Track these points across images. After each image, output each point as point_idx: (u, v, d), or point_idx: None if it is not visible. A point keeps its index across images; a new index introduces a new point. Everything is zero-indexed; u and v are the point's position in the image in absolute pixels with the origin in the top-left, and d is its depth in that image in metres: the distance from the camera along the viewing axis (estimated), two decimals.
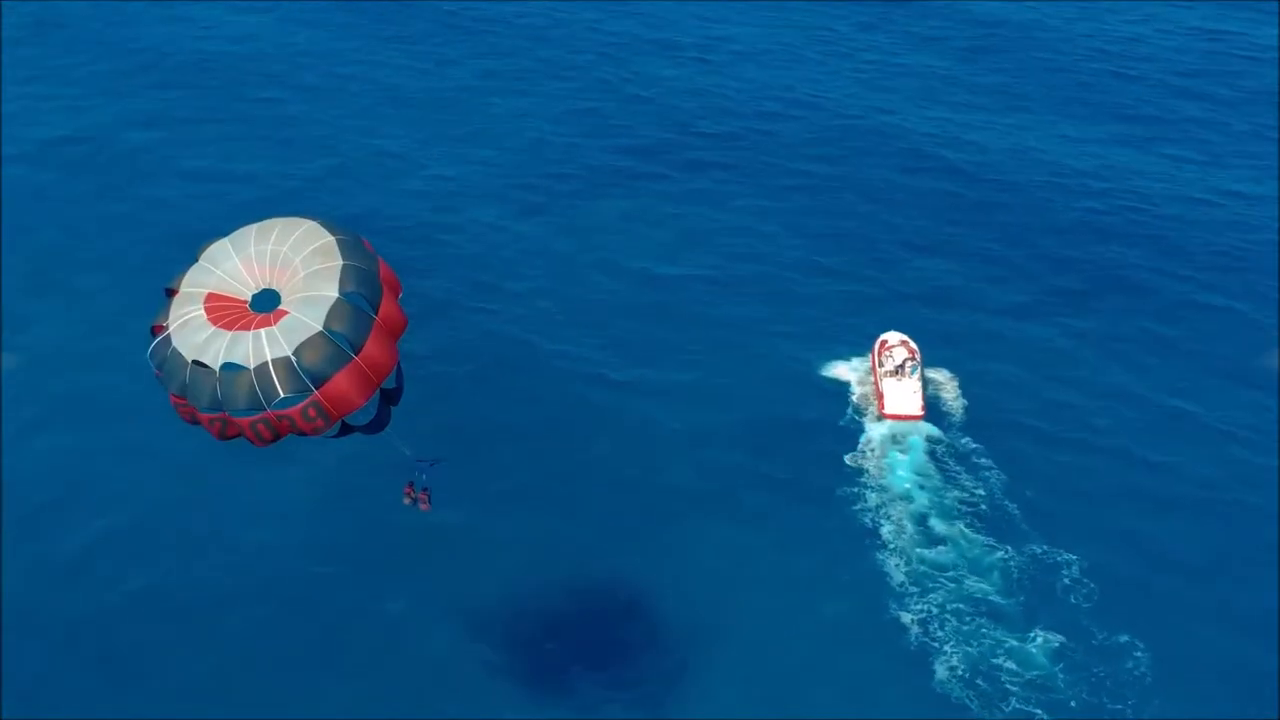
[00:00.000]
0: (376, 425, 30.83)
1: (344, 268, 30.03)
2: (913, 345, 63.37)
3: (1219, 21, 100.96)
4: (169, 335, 30.22)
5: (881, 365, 62.17)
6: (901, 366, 61.31)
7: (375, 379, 29.54)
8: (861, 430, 59.59)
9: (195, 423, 30.56)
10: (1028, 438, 58.95)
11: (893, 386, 60.80)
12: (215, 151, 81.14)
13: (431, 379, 57.30)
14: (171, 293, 31.28)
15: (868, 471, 56.82)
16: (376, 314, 29.80)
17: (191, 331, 29.84)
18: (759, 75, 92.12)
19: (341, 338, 29.11)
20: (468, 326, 64.49)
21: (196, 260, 31.54)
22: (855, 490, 55.74)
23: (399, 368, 30.36)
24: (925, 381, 61.70)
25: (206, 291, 30.73)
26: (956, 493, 55.42)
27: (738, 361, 63.61)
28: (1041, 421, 60.07)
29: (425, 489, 37.37)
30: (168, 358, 29.99)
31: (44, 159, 79.73)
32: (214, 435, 30.28)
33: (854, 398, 61.39)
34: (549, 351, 63.39)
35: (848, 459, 57.60)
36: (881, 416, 60.31)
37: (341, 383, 29.04)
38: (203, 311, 30.21)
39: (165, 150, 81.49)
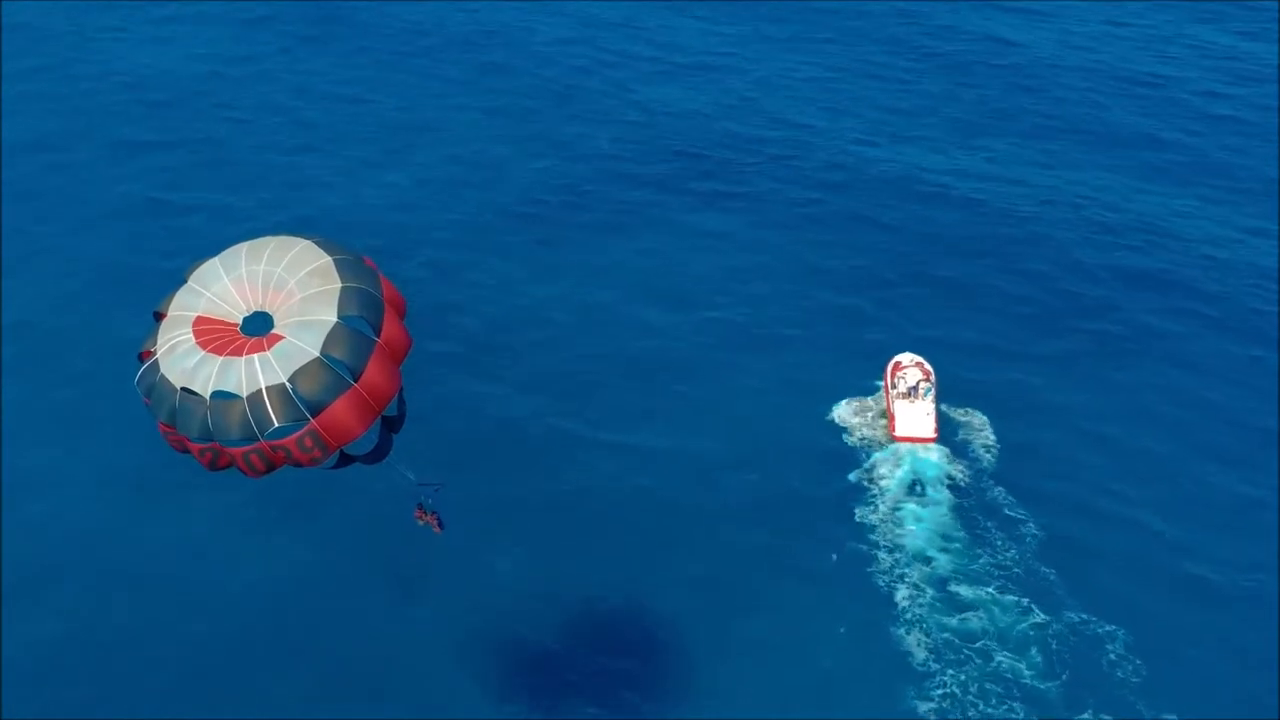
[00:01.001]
0: (377, 454, 29.20)
1: (343, 290, 28.43)
2: (927, 367, 61.65)
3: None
4: (156, 361, 28.61)
5: (894, 387, 60.56)
6: (915, 388, 59.75)
7: (376, 406, 27.95)
8: (873, 472, 56.86)
9: (185, 452, 28.95)
10: (1064, 487, 55.84)
11: (905, 408, 59.17)
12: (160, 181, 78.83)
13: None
14: (159, 316, 29.73)
15: (880, 527, 53.56)
16: (378, 337, 28.22)
17: (180, 357, 28.21)
18: (762, 103, 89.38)
19: (340, 364, 27.51)
20: (450, 386, 60.91)
21: (184, 282, 29.97)
22: (867, 549, 52.41)
23: (400, 394, 28.73)
24: (939, 404, 59.77)
25: (195, 315, 29.11)
26: (983, 550, 52.09)
27: (740, 404, 60.93)
28: (1080, 472, 56.85)
29: (434, 512, 36.20)
30: (155, 384, 28.38)
31: None
32: (205, 466, 28.67)
33: (864, 445, 58.55)
34: (532, 407, 60.43)
35: (858, 514, 54.48)
36: (892, 439, 58.62)
37: (340, 411, 27.43)
38: (191, 335, 28.59)
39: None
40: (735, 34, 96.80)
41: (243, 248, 30.07)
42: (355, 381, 27.54)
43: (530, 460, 56.58)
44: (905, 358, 62.40)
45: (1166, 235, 73.79)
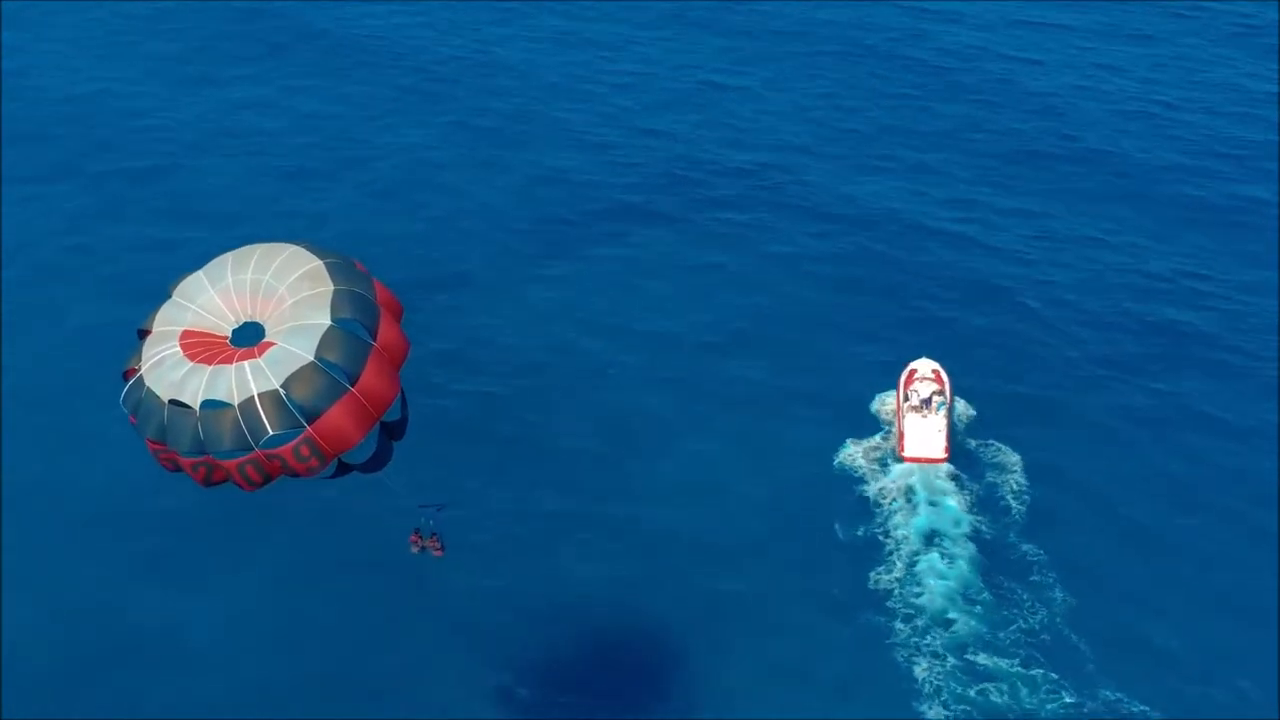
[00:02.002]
0: (377, 463, 28.02)
1: (336, 293, 27.37)
2: (944, 376, 57.97)
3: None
4: (141, 377, 27.46)
5: (906, 399, 56.77)
6: (928, 401, 56.09)
7: (375, 412, 26.81)
8: (879, 503, 53.78)
9: (177, 469, 27.70)
10: (1105, 540, 51.85)
11: (915, 424, 55.39)
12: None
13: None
14: (144, 334, 28.60)
15: (896, 592, 49.36)
16: (375, 340, 27.13)
17: (167, 369, 27.05)
18: (767, 118, 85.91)
19: (336, 368, 26.39)
20: (437, 400, 58.28)
21: (169, 297, 28.87)
22: (883, 619, 48.45)
23: (402, 397, 27.59)
24: (953, 420, 56.55)
25: (182, 328, 27.99)
26: (1009, 616, 47.98)
27: (744, 438, 57.42)
28: (1120, 522, 52.95)
29: (434, 534, 34.93)
30: (142, 400, 27.19)
31: None
32: (198, 482, 27.41)
33: (873, 488, 54.53)
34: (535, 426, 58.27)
35: (873, 576, 50.29)
36: (901, 459, 55.07)
37: (337, 417, 26.27)
38: (178, 348, 27.45)
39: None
40: (740, 57, 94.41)
41: (228, 257, 29.03)
42: (352, 386, 26.42)
43: (529, 496, 54.75)
44: (921, 365, 58.68)
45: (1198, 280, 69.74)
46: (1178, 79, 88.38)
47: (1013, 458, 55.54)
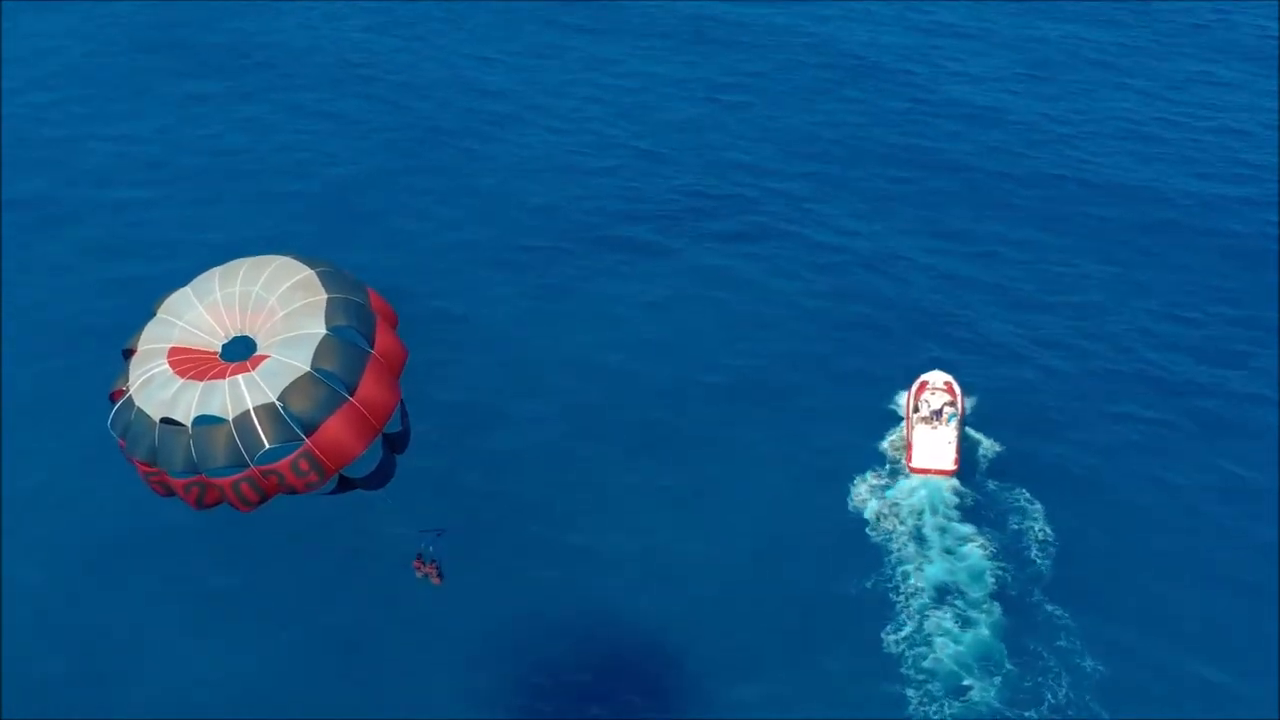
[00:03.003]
0: (379, 477, 26.84)
1: (329, 301, 26.30)
2: (956, 389, 56.28)
3: None
4: (130, 397, 26.25)
5: (916, 410, 54.99)
6: (939, 412, 54.41)
7: (375, 422, 25.65)
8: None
9: (170, 493, 26.43)
10: (1136, 597, 48.62)
11: (924, 435, 53.72)
12: None
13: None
14: (129, 353, 27.42)
15: (905, 655, 46.19)
16: (372, 348, 25.98)
17: (157, 387, 25.88)
18: (765, 145, 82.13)
19: (333, 377, 25.26)
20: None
21: (154, 315, 27.73)
22: (894, 687, 45.34)
23: (403, 407, 26.42)
24: (964, 433, 54.68)
25: (169, 346, 26.85)
26: (1032, 688, 44.69)
27: (746, 475, 54.45)
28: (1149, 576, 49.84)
29: (434, 561, 33.61)
30: (131, 421, 25.97)
31: None
32: (191, 504, 26.20)
33: (881, 525, 51.61)
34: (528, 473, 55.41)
35: (885, 637, 47.16)
36: (910, 471, 53.29)
37: (336, 428, 25.11)
38: (167, 365, 26.29)
39: None
40: (740, 81, 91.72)
41: (215, 272, 27.97)
42: (351, 395, 25.28)
43: (527, 527, 52.69)
44: (933, 377, 56.93)
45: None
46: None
47: (1036, 506, 52.10)
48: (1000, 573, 49.15)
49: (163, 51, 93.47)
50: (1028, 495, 52.49)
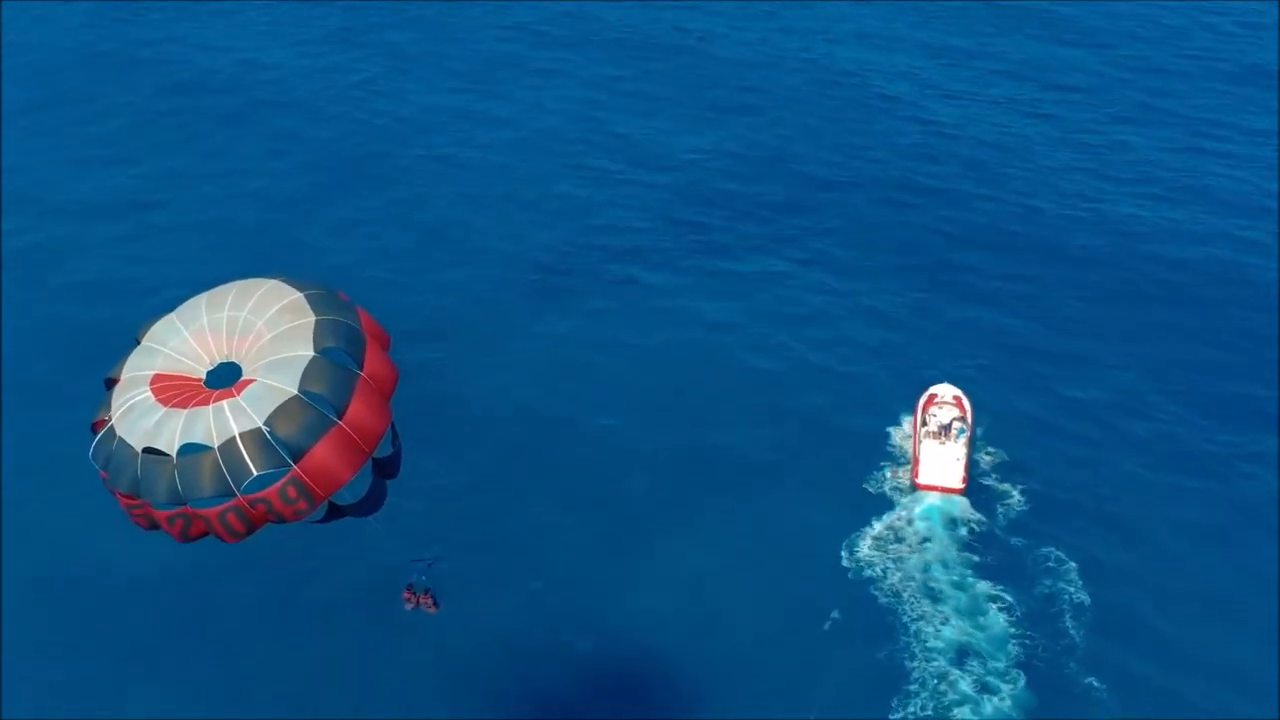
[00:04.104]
0: (370, 504, 25.93)
1: (318, 323, 25.53)
2: (966, 404, 54.71)
3: None
4: (111, 427, 25.41)
5: (924, 424, 53.56)
6: (947, 427, 52.98)
7: (365, 447, 24.81)
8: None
9: (154, 526, 25.53)
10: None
11: (932, 451, 52.22)
12: None
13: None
14: (112, 382, 26.61)
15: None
16: (362, 370, 25.19)
17: (139, 416, 25.04)
18: (780, 162, 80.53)
19: (321, 400, 24.44)
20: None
21: (138, 343, 26.97)
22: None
23: (394, 431, 25.59)
24: (973, 449, 53.17)
25: (152, 373, 26.04)
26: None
27: (745, 522, 52.13)
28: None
29: (428, 590, 32.81)
30: (113, 452, 25.11)
31: None
32: (175, 537, 25.27)
33: (881, 583, 48.72)
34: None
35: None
36: (916, 487, 51.96)
37: (324, 454, 24.28)
38: (150, 394, 25.46)
39: None
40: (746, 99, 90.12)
41: (201, 298, 27.24)
42: (339, 419, 24.44)
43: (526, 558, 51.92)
44: (942, 390, 55.32)
45: None
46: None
47: (1069, 563, 49.23)
48: (1025, 639, 46.61)
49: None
50: (1057, 551, 49.90)
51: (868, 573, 49.16)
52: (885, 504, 52.37)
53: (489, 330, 64.56)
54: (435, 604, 33.72)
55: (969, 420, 54.25)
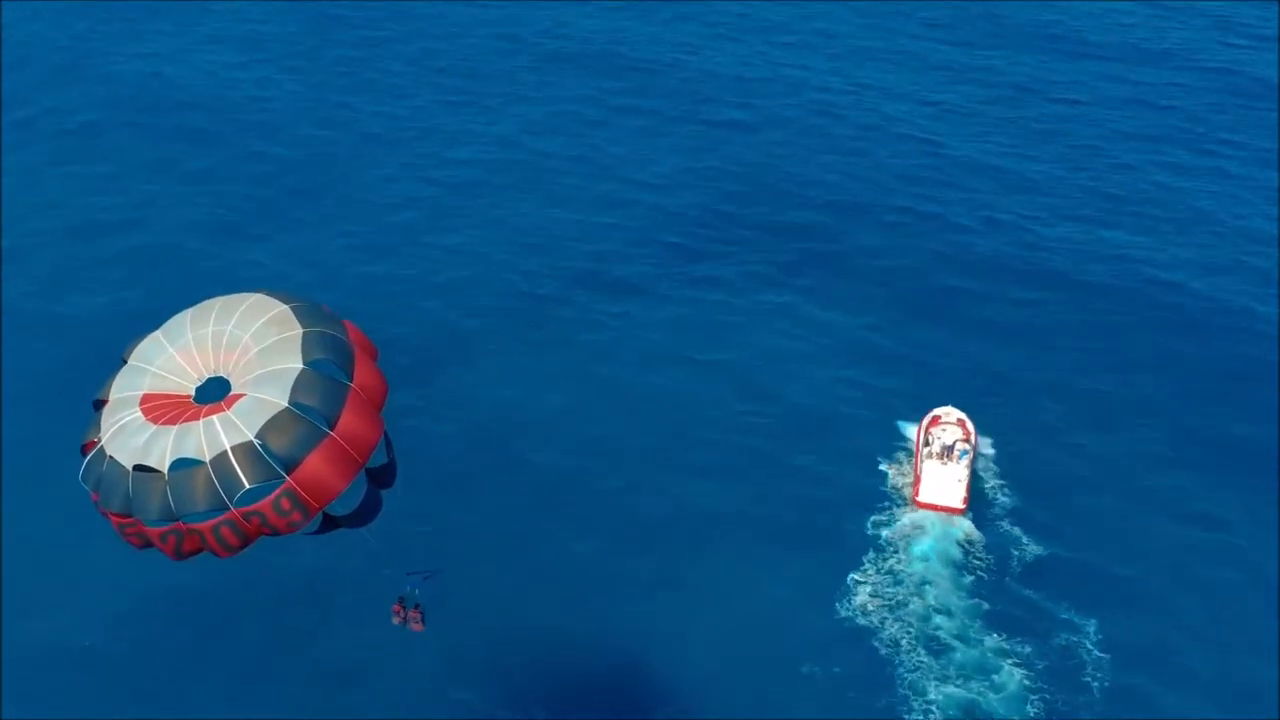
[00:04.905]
0: (364, 514, 25.84)
1: (305, 335, 25.49)
2: (969, 426, 54.31)
3: None
4: (102, 447, 25.31)
5: (927, 444, 53.18)
6: (950, 448, 52.50)
7: (358, 457, 24.75)
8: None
9: (147, 544, 25.39)
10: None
11: (933, 471, 51.76)
12: None
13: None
14: (100, 404, 26.49)
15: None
16: (351, 381, 25.11)
17: (129, 435, 24.94)
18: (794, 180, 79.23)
19: (312, 412, 24.39)
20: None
21: (124, 362, 26.86)
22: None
23: (387, 441, 25.51)
24: (974, 472, 52.58)
25: (141, 393, 25.96)
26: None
27: (734, 571, 50.18)
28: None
29: (417, 605, 32.56)
30: (104, 473, 25.00)
31: None
32: (169, 554, 25.12)
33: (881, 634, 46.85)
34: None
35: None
36: (915, 505, 51.31)
37: (317, 465, 24.21)
38: (139, 413, 25.38)
39: None
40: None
41: (186, 314, 27.17)
42: (331, 430, 24.38)
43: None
44: (945, 412, 55.00)
45: None
46: None
47: (1089, 623, 47.35)
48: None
49: None
50: (1074, 613, 47.99)
51: (862, 621, 47.34)
52: (881, 546, 50.78)
53: (468, 361, 62.79)
54: (422, 622, 33.47)
55: (972, 442, 53.82)
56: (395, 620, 33.27)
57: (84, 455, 26.03)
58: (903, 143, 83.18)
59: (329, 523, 25.37)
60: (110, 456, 24.88)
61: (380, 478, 25.97)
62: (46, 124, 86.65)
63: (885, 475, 54.53)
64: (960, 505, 51.18)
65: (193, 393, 26.05)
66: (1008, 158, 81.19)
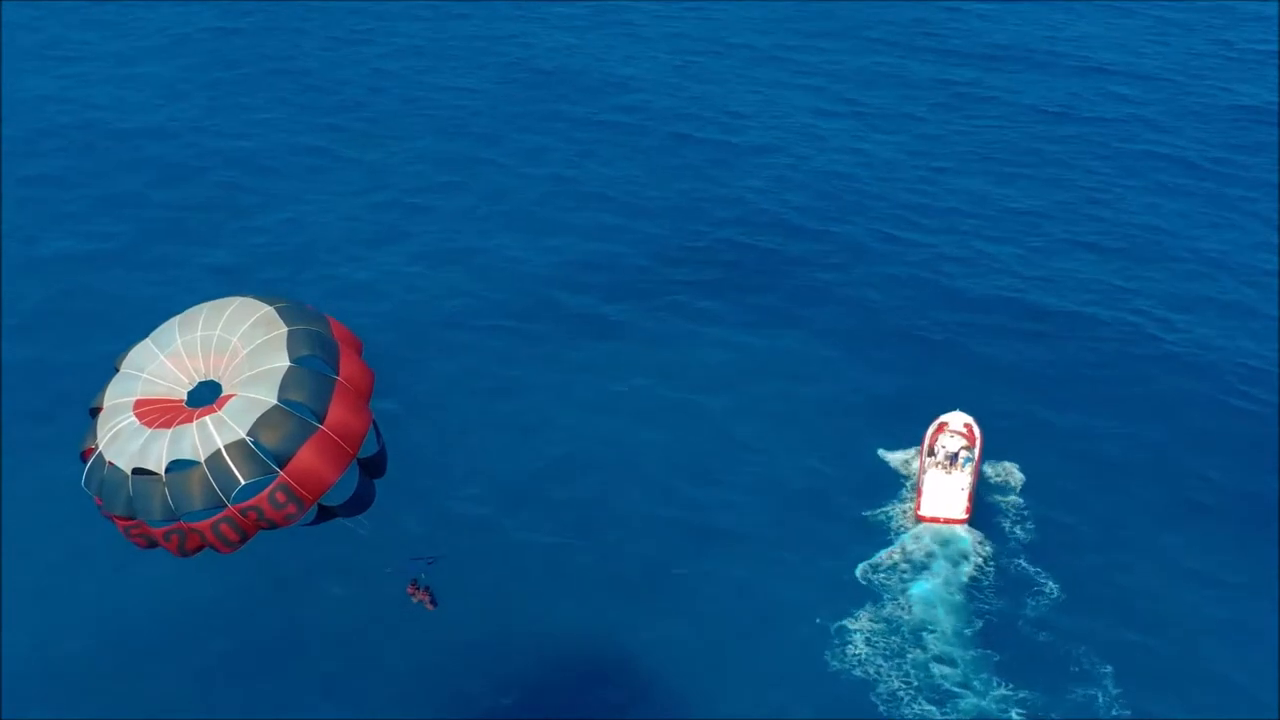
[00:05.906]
0: (358, 504, 26.79)
1: (290, 333, 26.35)
2: (976, 433, 52.48)
3: None
4: (100, 454, 26.21)
5: (932, 454, 51.43)
6: (954, 456, 50.85)
7: (349, 448, 25.64)
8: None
9: (152, 544, 26.36)
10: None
11: (936, 481, 50.03)
12: None
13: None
14: (95, 411, 27.38)
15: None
16: (338, 374, 26.04)
17: (125, 440, 25.83)
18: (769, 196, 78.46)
19: (302, 407, 25.28)
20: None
21: (117, 371, 27.76)
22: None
23: (377, 431, 26.45)
24: (980, 480, 51.29)
25: (134, 399, 26.84)
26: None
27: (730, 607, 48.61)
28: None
29: (426, 587, 33.61)
30: (105, 478, 25.91)
31: None
32: (174, 552, 26.09)
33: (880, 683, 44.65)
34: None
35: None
36: (917, 519, 49.66)
37: (309, 457, 25.06)
38: (134, 418, 26.28)
39: None
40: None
41: (174, 321, 28.03)
42: (320, 423, 25.28)
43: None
44: (953, 418, 53.04)
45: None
46: None
47: (1105, 668, 45.42)
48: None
49: None
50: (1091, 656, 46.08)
51: (858, 673, 45.00)
52: (875, 592, 48.29)
53: (453, 388, 61.85)
54: (434, 602, 34.45)
55: (977, 450, 52.20)
56: (413, 600, 34.12)
57: (84, 462, 26.95)
58: (886, 168, 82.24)
59: (324, 513, 26.32)
60: (110, 462, 25.77)
61: (372, 468, 26.90)
62: None
63: (883, 505, 52.61)
64: (963, 515, 49.59)
65: (185, 396, 26.91)
66: (1000, 185, 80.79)
